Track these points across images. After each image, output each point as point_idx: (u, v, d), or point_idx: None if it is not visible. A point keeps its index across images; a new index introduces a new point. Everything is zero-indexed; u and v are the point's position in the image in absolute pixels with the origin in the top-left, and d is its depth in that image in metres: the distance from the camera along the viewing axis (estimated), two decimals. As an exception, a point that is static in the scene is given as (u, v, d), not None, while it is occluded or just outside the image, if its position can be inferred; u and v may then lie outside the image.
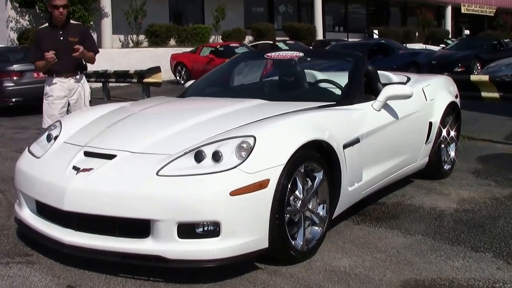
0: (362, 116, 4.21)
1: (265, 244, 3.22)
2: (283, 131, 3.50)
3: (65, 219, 3.36)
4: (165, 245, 3.09)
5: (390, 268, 3.39)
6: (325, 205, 3.69)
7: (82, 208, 3.25)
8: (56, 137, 3.99)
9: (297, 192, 3.44)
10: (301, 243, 3.46)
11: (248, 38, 26.03)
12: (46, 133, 4.11)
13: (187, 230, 3.09)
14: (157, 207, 3.07)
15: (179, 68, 19.42)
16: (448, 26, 37.62)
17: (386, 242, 3.82)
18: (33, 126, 9.92)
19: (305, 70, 5.28)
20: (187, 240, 3.10)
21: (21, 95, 11.67)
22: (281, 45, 21.39)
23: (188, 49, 21.33)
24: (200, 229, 3.11)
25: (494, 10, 39.20)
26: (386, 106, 4.50)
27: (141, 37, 23.09)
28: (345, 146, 3.83)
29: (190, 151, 3.28)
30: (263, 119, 3.66)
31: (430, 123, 5.29)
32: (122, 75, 14.44)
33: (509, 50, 19.76)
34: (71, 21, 5.75)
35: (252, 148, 3.19)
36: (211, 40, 24.43)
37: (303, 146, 3.40)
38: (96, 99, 10.76)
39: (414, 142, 5.09)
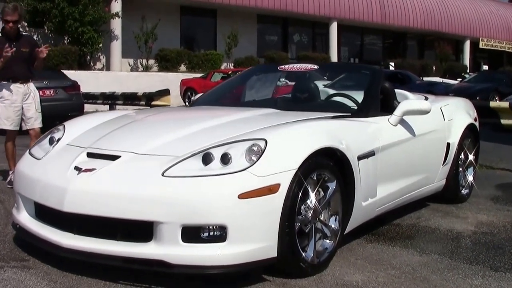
0: (378, 130, 4.17)
1: (273, 253, 3.15)
2: (296, 136, 3.47)
3: (64, 222, 3.32)
4: (168, 249, 3.03)
5: (405, 284, 3.31)
6: (337, 217, 3.62)
7: (83, 209, 3.21)
8: (59, 140, 4.00)
9: (308, 201, 3.38)
10: (312, 255, 3.38)
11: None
12: (49, 136, 4.11)
13: (191, 234, 3.03)
14: (161, 209, 3.02)
15: (189, 93, 19.54)
16: (466, 60, 37.71)
17: (401, 260, 3.74)
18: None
19: (319, 88, 5.28)
20: (192, 244, 3.03)
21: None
22: (294, 73, 21.34)
23: (199, 75, 21.51)
24: (206, 234, 3.05)
25: (514, 46, 39.32)
26: (402, 122, 4.47)
27: (151, 61, 23.30)
28: (360, 158, 3.79)
29: (197, 153, 3.25)
30: (276, 125, 3.63)
31: (448, 144, 5.24)
32: (130, 98, 14.57)
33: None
34: (22, 33, 6.50)
35: (263, 151, 3.15)
36: (222, 67, 24.58)
37: (316, 153, 3.36)
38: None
39: (431, 162, 5.03)
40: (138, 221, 3.08)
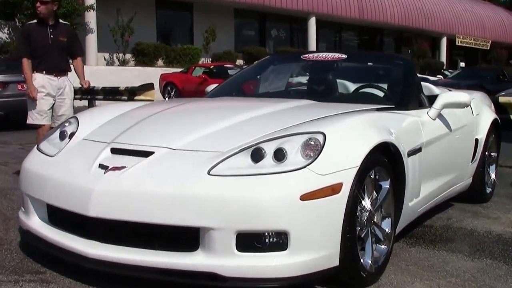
0: (421, 124, 3.89)
1: (335, 261, 2.81)
2: (355, 129, 3.14)
3: (89, 228, 2.91)
4: (221, 259, 2.65)
5: (472, 293, 3.04)
6: (390, 219, 3.32)
7: (112, 214, 2.80)
8: (72, 134, 3.58)
9: (364, 203, 3.07)
10: (370, 262, 3.07)
11: (239, 62, 25.85)
12: (59, 130, 3.70)
13: (247, 242, 2.66)
14: (211, 213, 2.64)
15: (169, 88, 19.10)
16: (443, 57, 37.92)
17: (455, 266, 3.47)
18: (15, 141, 9.55)
19: (338, 80, 4.98)
20: (248, 254, 2.66)
21: (2, 108, 11.15)
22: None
23: (177, 70, 21.10)
24: (264, 241, 2.68)
25: (489, 44, 39.68)
26: (439, 116, 4.20)
27: (128, 55, 22.75)
28: (409, 154, 3.50)
29: (246, 148, 2.88)
30: (324, 117, 3.30)
31: (476, 140, 5.02)
32: (111, 92, 14.04)
33: (512, 81, 19.85)
34: (60, 21, 5.81)
35: (322, 146, 2.80)
36: (200, 62, 24.19)
37: (374, 148, 3.04)
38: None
39: (462, 159, 4.80)
40: (181, 227, 2.70)
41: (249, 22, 30.27)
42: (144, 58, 22.72)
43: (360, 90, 4.71)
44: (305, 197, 2.64)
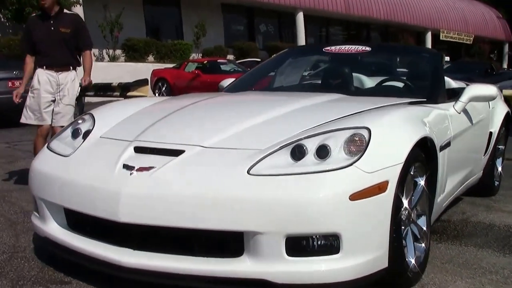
0: (449, 117, 3.85)
1: (384, 263, 2.70)
2: (399, 124, 3.03)
3: (118, 234, 2.73)
4: (271, 265, 2.50)
5: (517, 290, 3.04)
6: (425, 217, 3.27)
7: (146, 219, 2.61)
8: (87, 132, 3.36)
9: (403, 200, 2.93)
10: (413, 262, 3.00)
11: (230, 57, 25.73)
12: (71, 128, 3.49)
13: (297, 246, 2.52)
14: (255, 216, 2.47)
15: (160, 84, 18.93)
16: (428, 52, 38.00)
17: (489, 262, 3.47)
18: (1, 139, 9.28)
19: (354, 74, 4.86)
20: (298, 258, 2.52)
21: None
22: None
23: (168, 65, 20.94)
24: (314, 245, 2.55)
25: (472, 38, 39.88)
26: (464, 109, 4.16)
27: (118, 51, 22.51)
28: (441, 149, 3.46)
29: (287, 145, 2.73)
30: (363, 112, 3.21)
31: (490, 133, 5.03)
32: (103, 88, 13.88)
33: (500, 75, 20.06)
34: (65, 11, 5.42)
35: (367, 142, 2.67)
36: (191, 57, 24.03)
37: (416, 144, 2.95)
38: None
39: (478, 153, 4.82)
40: (224, 232, 2.53)
41: (237, 17, 30.10)
42: (134, 53, 22.48)
43: (383, 84, 4.60)
44: (354, 196, 2.52)
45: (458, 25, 39.44)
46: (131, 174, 2.73)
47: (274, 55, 5.40)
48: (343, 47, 4.75)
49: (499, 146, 5.47)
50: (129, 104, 3.99)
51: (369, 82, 4.82)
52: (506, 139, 5.70)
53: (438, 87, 4.15)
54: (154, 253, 2.66)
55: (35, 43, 5.27)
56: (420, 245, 3.18)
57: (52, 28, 5.22)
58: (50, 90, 5.25)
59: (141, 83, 13.25)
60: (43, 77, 5.23)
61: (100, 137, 3.29)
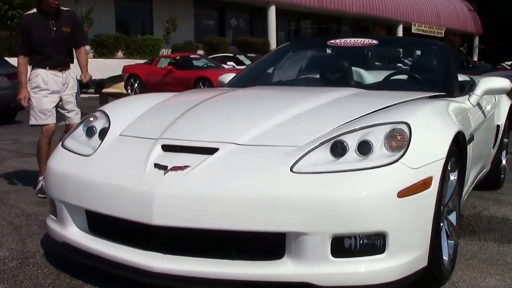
0: (469, 111, 3.76)
1: (424, 262, 2.61)
2: (435, 118, 2.95)
3: (148, 237, 2.60)
4: (315, 267, 2.41)
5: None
6: (455, 212, 3.17)
7: (180, 221, 2.49)
8: (104, 130, 3.20)
9: (443, 196, 2.85)
10: (446, 258, 2.89)
11: (199, 52, 25.51)
12: (82, 126, 3.34)
13: (341, 246, 2.43)
14: (300, 216, 2.37)
15: (132, 80, 18.62)
16: (400, 45, 38.32)
17: (514, 258, 3.37)
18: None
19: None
20: (343, 259, 2.43)
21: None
22: (242, 58, 21.31)
23: (138, 61, 20.69)
24: (359, 244, 2.45)
25: (443, 31, 40.31)
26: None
27: (87, 47, 22.13)
28: (467, 143, 3.38)
29: (326, 141, 2.63)
30: (394, 106, 3.10)
31: (498, 126, 4.95)
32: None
33: (475, 67, 20.38)
34: (62, 8, 5.18)
35: (409, 137, 2.58)
36: (160, 53, 23.74)
37: (453, 138, 2.87)
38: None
39: (489, 146, 4.73)
40: (265, 233, 2.43)
41: (208, 11, 29.96)
42: (103, 49, 22.16)
43: (397, 78, 4.47)
44: (401, 193, 2.44)
45: (430, 18, 39.86)
46: (164, 174, 2.60)
47: (274, 48, 5.34)
48: (348, 40, 4.64)
49: (504, 139, 5.41)
50: (139, 100, 3.90)
51: (369, 76, 4.63)
52: (509, 132, 5.64)
53: (453, 80, 4.07)
54: (187, 257, 2.54)
55: (34, 44, 5.04)
56: (451, 241, 3.07)
57: (55, 29, 5.03)
58: (57, 89, 5.07)
59: (116, 80, 12.99)
60: (48, 77, 5.04)
61: (120, 135, 3.15)
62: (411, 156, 2.52)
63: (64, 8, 5.21)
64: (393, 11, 36.68)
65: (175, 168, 2.61)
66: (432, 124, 2.86)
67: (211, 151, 2.71)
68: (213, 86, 15.59)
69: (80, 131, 3.30)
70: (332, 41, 4.76)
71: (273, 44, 29.21)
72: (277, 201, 2.40)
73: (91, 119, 3.37)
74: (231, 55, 22.49)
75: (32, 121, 5.08)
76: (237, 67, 19.37)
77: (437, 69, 4.34)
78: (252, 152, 2.71)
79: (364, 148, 2.56)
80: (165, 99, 3.76)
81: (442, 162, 2.66)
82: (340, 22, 37.52)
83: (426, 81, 4.27)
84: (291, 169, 2.51)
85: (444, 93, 3.76)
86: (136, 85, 18.51)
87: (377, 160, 2.50)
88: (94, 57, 22.02)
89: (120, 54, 23.11)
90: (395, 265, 2.47)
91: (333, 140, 2.62)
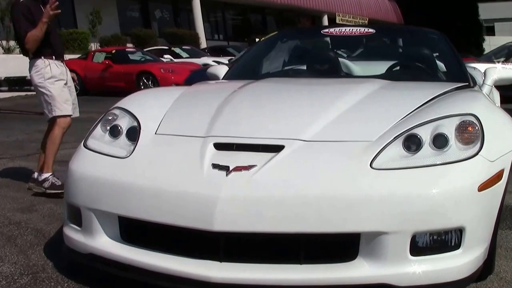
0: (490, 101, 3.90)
1: (485, 255, 2.61)
2: (494, 109, 2.98)
3: (201, 244, 2.46)
4: (393, 267, 2.36)
5: None
6: None
7: (247, 225, 2.36)
8: (132, 129, 3.00)
9: None
10: None
11: (129, 45, 25.09)
12: (101, 125, 3.13)
13: (418, 244, 2.40)
14: (381, 215, 2.32)
15: (69, 77, 18.17)
16: (325, 36, 39.12)
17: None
18: None
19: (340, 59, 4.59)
20: (422, 257, 2.40)
21: None
22: (178, 50, 21.21)
23: (68, 56, 20.07)
24: (435, 241, 2.43)
25: (366, 21, 41.46)
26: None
27: (12, 43, 21.24)
28: None
29: (400, 135, 2.58)
30: (438, 98, 3.08)
31: None
32: (17, 82, 13.15)
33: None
34: None
35: (481, 129, 2.58)
36: (89, 47, 23.17)
37: None
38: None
39: None
40: (339, 234, 2.36)
41: (131, 2, 29.45)
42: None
43: (414, 69, 4.38)
44: (481, 187, 2.44)
45: (353, 8, 40.95)
46: (227, 175, 2.46)
47: (263, 38, 5.24)
48: (343, 29, 4.60)
49: None
50: (155, 95, 3.72)
51: (356, 68, 4.59)
52: None
53: (467, 70, 4.12)
54: (248, 264, 2.42)
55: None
56: None
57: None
58: (66, 80, 5.01)
59: None
60: (58, 67, 4.91)
61: (156, 134, 2.95)
62: (488, 149, 2.53)
63: None
64: (317, 1, 37.37)
65: (238, 168, 2.48)
66: (496, 115, 2.89)
67: (276, 148, 2.60)
68: (157, 80, 15.95)
69: (99, 131, 3.10)
70: (326, 30, 4.73)
71: (201, 36, 29.20)
72: (357, 200, 2.34)
73: (110, 117, 3.16)
74: (166, 47, 22.33)
75: (57, 112, 4.83)
76: (175, 60, 19.48)
77: (450, 58, 4.36)
78: (322, 149, 2.62)
79: (440, 141, 2.53)
80: (181, 93, 3.52)
81: (511, 154, 2.72)
82: (265, 13, 37.87)
83: (447, 72, 4.27)
84: (370, 166, 2.45)
85: (467, 83, 3.78)
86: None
87: (455, 154, 2.49)
88: (20, 52, 21.14)
89: (46, 49, 22.31)
90: (469, 260, 2.47)
91: (406, 134, 2.58)
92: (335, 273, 2.36)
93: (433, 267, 2.40)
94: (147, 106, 3.27)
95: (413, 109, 2.86)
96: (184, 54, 21.02)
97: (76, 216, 2.86)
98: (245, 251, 2.45)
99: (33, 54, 4.86)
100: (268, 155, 2.55)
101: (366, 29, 4.56)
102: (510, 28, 43.28)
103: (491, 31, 40.30)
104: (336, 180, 2.42)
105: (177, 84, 14.24)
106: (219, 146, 2.68)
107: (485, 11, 46.23)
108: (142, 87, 16.19)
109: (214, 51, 23.77)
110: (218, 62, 17.15)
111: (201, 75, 10.95)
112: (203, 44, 28.67)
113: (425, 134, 2.57)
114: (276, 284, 2.37)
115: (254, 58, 4.90)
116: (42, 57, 4.84)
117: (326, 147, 2.62)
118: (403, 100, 3.16)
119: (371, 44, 4.94)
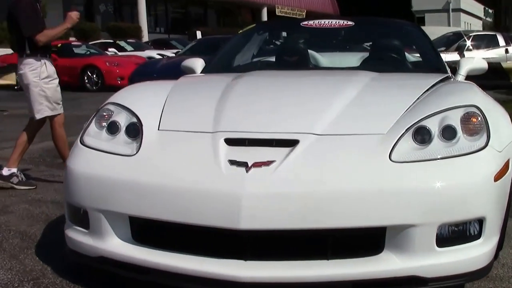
0: None
1: (497, 245, 2.63)
2: (489, 100, 3.02)
3: (224, 244, 2.41)
4: (420, 259, 2.38)
5: None
6: None
7: (273, 222, 2.32)
8: (132, 125, 2.86)
9: None
10: None
11: (72, 39, 25.54)
12: (95, 122, 2.98)
13: (445, 235, 2.43)
14: (406, 207, 2.34)
15: (15, 72, 18.64)
16: (265, 28, 40.03)
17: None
18: None
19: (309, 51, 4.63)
20: (447, 248, 2.42)
21: None
22: (123, 44, 21.61)
23: (7, 50, 20.31)
24: (458, 231, 2.47)
25: (304, 13, 42.67)
26: None
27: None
28: None
29: (410, 127, 2.59)
30: (434, 89, 3.12)
31: None
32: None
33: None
34: None
35: (486, 120, 2.62)
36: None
37: None
38: None
39: None
40: (364, 228, 2.37)
41: (73, -4, 29.82)
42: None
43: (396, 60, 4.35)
44: (496, 177, 2.49)
45: (292, 0, 41.95)
46: (247, 171, 2.39)
47: (242, 31, 5.16)
48: (322, 22, 4.62)
49: None
50: (149, 88, 3.54)
51: (322, 59, 4.71)
52: None
53: (443, 60, 4.19)
54: (274, 262, 2.40)
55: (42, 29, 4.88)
56: None
57: (42, 14, 4.97)
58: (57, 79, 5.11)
59: (6, 70, 13.19)
60: (51, 67, 5.02)
61: (160, 130, 2.83)
62: (495, 139, 2.58)
63: None
64: (256, -6, 38.03)
65: (258, 164, 2.42)
66: (493, 106, 2.92)
67: (290, 143, 2.55)
68: (102, 74, 15.98)
69: (94, 128, 2.95)
70: (306, 22, 4.75)
71: (144, 29, 29.66)
72: (380, 193, 2.34)
73: (105, 113, 3.00)
74: (111, 41, 22.62)
75: (47, 112, 4.92)
76: (119, 53, 19.67)
77: (427, 50, 4.46)
78: (337, 143, 2.60)
79: (448, 132, 2.55)
80: (171, 87, 3.35)
81: None
82: (206, 6, 38.53)
83: (427, 63, 4.36)
84: (390, 159, 2.46)
85: (448, 75, 3.82)
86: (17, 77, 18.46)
87: (465, 145, 2.52)
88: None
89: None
90: (488, 249, 2.52)
91: (415, 126, 2.59)
92: (364, 268, 2.37)
93: (457, 257, 2.45)
94: (143, 101, 3.13)
95: (414, 101, 2.87)
96: (128, 48, 21.34)
97: (81, 217, 2.74)
98: (270, 248, 2.42)
99: (30, 52, 4.84)
100: (284, 150, 2.51)
101: (346, 22, 4.60)
102: (438, 19, 45.83)
103: (421, 22, 42.41)
104: (359, 174, 2.41)
105: (122, 78, 14.94)
106: (230, 142, 2.61)
107: (417, 3, 49.81)
108: (87, 81, 16.39)
109: (157, 44, 24.13)
110: (162, 55, 17.86)
111: (149, 68, 11.50)
112: (145, 37, 29.07)
113: (433, 126, 2.58)
114: (305, 281, 2.35)
115: (233, 51, 4.83)
116: (39, 55, 4.85)
117: (339, 141, 2.61)
118: (401, 91, 3.24)
119: (347, 37, 5.03)
